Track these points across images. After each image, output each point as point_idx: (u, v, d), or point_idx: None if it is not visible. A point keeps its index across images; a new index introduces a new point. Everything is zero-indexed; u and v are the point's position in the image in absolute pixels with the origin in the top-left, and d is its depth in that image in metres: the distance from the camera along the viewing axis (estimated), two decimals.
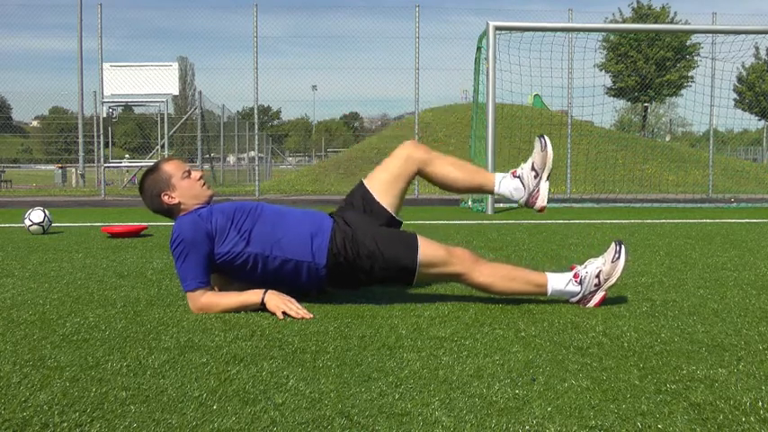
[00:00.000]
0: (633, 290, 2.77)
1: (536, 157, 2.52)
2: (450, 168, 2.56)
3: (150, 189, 2.48)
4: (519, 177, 2.52)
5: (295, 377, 1.62)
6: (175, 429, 1.32)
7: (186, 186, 2.46)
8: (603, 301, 2.42)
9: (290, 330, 2.08)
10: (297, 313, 2.25)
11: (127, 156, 18.88)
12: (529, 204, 2.51)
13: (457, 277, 2.42)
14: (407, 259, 2.35)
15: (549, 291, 2.42)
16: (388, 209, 2.52)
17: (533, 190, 2.49)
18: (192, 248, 2.31)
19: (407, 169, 2.53)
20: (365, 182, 2.57)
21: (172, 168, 2.48)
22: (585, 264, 2.44)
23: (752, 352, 1.84)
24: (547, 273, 2.47)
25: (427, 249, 2.38)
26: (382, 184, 2.54)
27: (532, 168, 2.51)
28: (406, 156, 2.54)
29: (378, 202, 2.51)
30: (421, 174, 2.55)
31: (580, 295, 2.42)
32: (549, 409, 1.41)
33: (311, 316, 2.26)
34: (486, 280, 2.40)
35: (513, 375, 1.63)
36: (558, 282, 2.42)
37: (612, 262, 2.37)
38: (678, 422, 1.34)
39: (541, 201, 2.50)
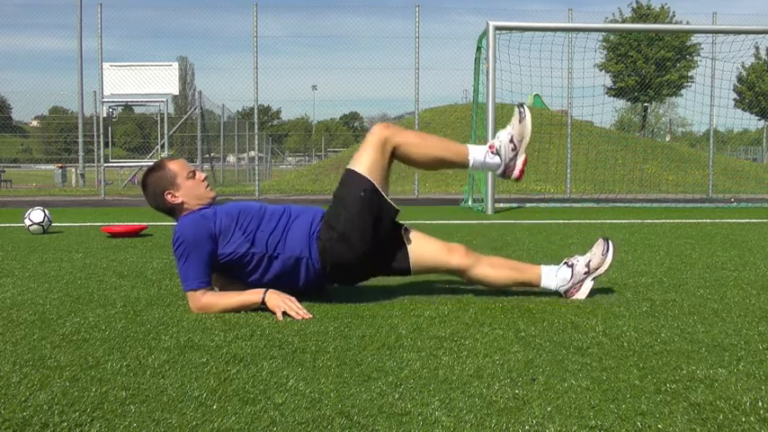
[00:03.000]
0: (633, 290, 2.77)
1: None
2: (416, 141, 2.51)
3: (154, 186, 2.48)
4: (498, 153, 2.50)
5: (295, 377, 1.62)
6: (175, 429, 1.32)
7: (190, 186, 2.47)
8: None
9: (290, 330, 2.08)
10: (297, 313, 2.25)
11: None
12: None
13: (393, 151, 2.44)
14: (362, 181, 2.37)
15: (471, 161, 2.48)
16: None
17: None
18: (194, 248, 2.32)
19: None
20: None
21: (177, 167, 2.49)
22: (497, 136, 2.54)
23: (752, 352, 1.84)
24: (468, 145, 2.55)
25: (359, 162, 2.41)
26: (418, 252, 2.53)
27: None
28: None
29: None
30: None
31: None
32: (548, 409, 1.41)
33: (310, 316, 2.26)
34: (409, 140, 2.45)
35: (513, 375, 1.63)
36: (478, 154, 2.50)
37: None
38: (678, 422, 1.34)
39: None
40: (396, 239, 2.49)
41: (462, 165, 2.51)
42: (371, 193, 2.38)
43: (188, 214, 2.43)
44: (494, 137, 2.56)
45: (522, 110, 2.49)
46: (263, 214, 2.44)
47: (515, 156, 2.48)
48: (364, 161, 2.42)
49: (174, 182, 2.46)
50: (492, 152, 2.48)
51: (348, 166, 2.46)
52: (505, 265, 2.57)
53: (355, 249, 2.38)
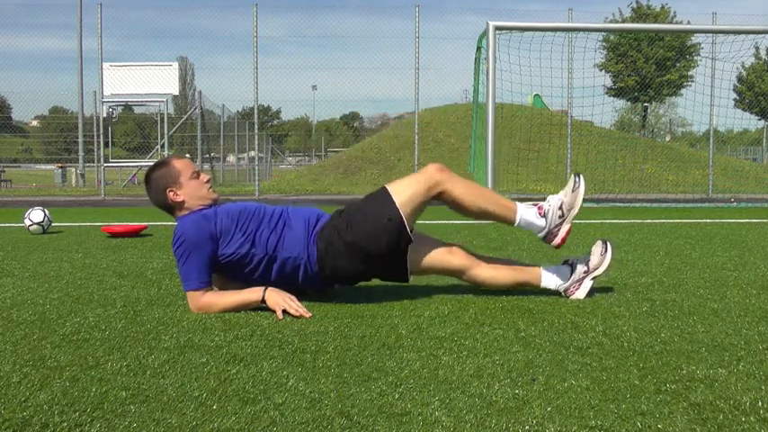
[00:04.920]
0: (633, 290, 2.77)
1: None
2: (466, 191, 2.46)
3: (157, 182, 2.48)
4: (545, 216, 2.49)
5: (295, 377, 1.62)
6: (175, 429, 1.32)
7: (193, 186, 2.47)
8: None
9: (290, 330, 2.08)
10: (296, 311, 2.25)
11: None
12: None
13: (438, 196, 2.44)
14: (390, 208, 2.36)
15: (518, 219, 2.48)
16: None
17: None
18: (195, 249, 2.32)
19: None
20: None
21: (182, 166, 2.49)
22: (547, 199, 2.54)
23: (752, 352, 1.84)
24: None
25: (394, 187, 2.41)
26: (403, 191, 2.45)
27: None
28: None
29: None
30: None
31: (546, 229, 2.49)
32: (548, 409, 1.41)
33: (310, 315, 2.26)
34: (459, 193, 2.42)
35: (513, 375, 1.63)
36: (525, 210, 2.50)
37: (573, 192, 2.49)
38: (678, 422, 1.34)
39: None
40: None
41: (509, 221, 2.49)
42: (396, 224, 2.36)
43: (189, 214, 2.43)
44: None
45: (577, 179, 2.48)
46: (263, 215, 2.44)
47: (561, 223, 2.47)
48: (405, 192, 2.39)
49: (178, 180, 2.46)
50: (540, 214, 2.48)
51: (387, 186, 2.45)
52: (505, 265, 2.58)
53: (355, 263, 2.39)
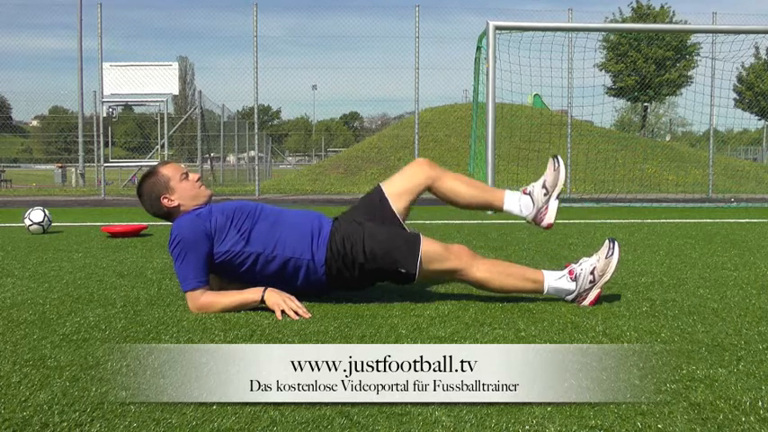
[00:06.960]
0: (633, 290, 2.77)
1: (548, 176, 2.54)
2: (458, 183, 2.58)
3: (149, 193, 2.49)
4: (529, 194, 2.54)
5: None
6: (175, 429, 1.32)
7: (185, 188, 2.47)
8: (598, 300, 2.43)
9: (290, 330, 2.08)
10: (295, 313, 2.25)
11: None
12: (536, 221, 2.53)
13: (454, 273, 2.43)
14: (409, 264, 2.37)
15: (546, 288, 2.44)
16: (398, 215, 2.55)
17: (542, 207, 2.51)
18: (191, 248, 2.32)
19: (419, 183, 2.56)
20: (383, 186, 2.60)
21: (169, 171, 2.49)
22: (580, 261, 2.46)
23: (752, 352, 1.84)
24: (543, 270, 2.49)
25: (427, 247, 2.39)
26: (397, 191, 2.56)
27: (543, 186, 2.53)
28: (419, 171, 2.57)
29: (391, 208, 2.54)
30: (431, 188, 2.58)
31: (575, 293, 2.43)
32: (548, 409, 1.41)
33: (309, 315, 2.26)
34: (484, 275, 2.42)
35: None
36: (553, 279, 2.44)
37: (606, 258, 2.41)
38: (678, 422, 1.34)
39: (549, 218, 2.50)
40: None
41: (537, 293, 2.47)
42: (407, 275, 2.39)
43: (184, 215, 2.43)
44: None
45: (612, 246, 2.43)
46: (259, 213, 2.43)
47: (591, 288, 2.42)
48: (433, 261, 2.38)
49: (168, 185, 2.46)
50: (571, 277, 2.43)
51: (422, 239, 2.41)
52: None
53: (358, 276, 2.41)
